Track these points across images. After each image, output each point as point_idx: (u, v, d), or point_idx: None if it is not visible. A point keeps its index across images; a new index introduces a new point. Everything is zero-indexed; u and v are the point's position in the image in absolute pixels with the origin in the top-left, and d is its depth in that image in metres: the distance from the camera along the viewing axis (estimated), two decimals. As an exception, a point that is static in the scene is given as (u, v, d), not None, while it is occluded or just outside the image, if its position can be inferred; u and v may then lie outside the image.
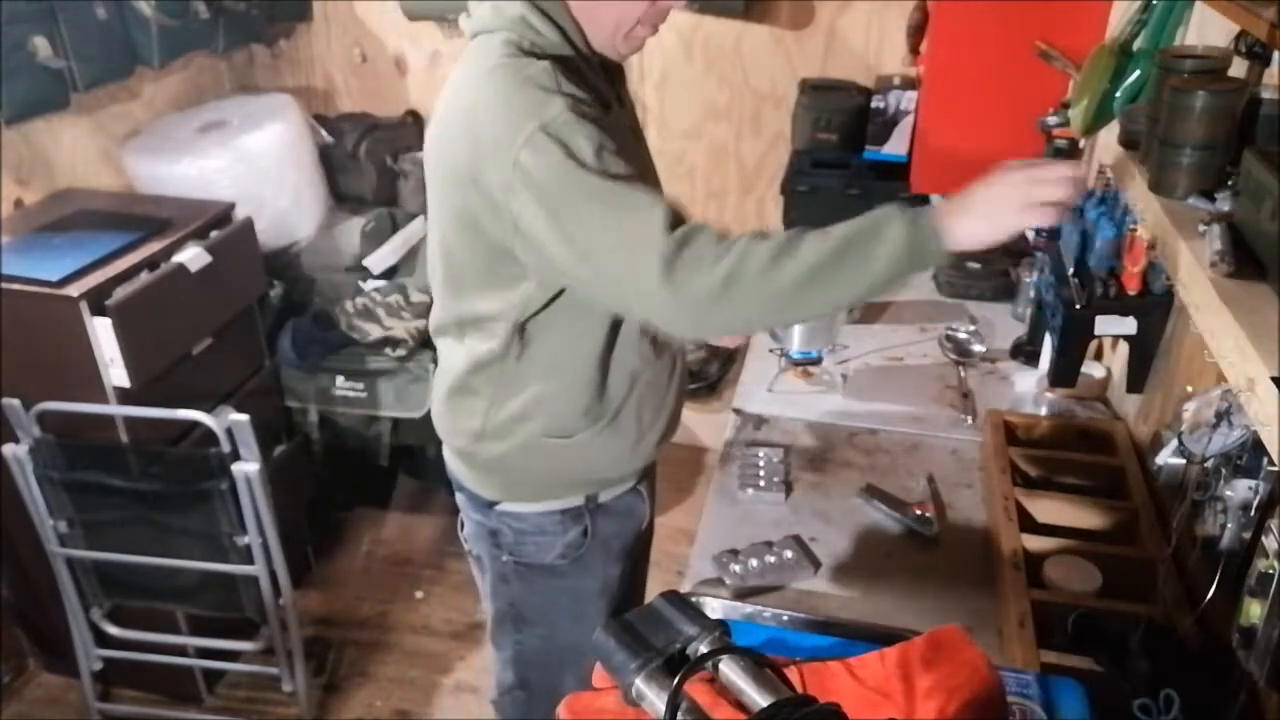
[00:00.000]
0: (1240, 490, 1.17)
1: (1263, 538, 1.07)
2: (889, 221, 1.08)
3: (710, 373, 3.02)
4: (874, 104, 2.46)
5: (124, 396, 2.02)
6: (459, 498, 1.54)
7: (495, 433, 1.40)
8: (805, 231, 1.11)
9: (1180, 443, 1.29)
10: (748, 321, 1.22)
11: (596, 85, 1.28)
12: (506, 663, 1.62)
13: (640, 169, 1.22)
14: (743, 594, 1.44)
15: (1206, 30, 1.46)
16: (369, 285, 2.59)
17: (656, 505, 1.64)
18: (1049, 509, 1.53)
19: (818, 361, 1.93)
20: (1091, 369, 1.83)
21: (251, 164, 2.48)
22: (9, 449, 1.99)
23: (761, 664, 0.77)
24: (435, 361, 1.60)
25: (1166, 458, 1.36)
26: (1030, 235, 2.19)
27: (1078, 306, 1.48)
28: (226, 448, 2.00)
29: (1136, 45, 1.65)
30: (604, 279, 1.16)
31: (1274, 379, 0.83)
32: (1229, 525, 1.19)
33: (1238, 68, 1.24)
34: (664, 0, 1.26)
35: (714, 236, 1.12)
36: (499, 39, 1.23)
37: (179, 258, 2.10)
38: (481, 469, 1.45)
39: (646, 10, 1.25)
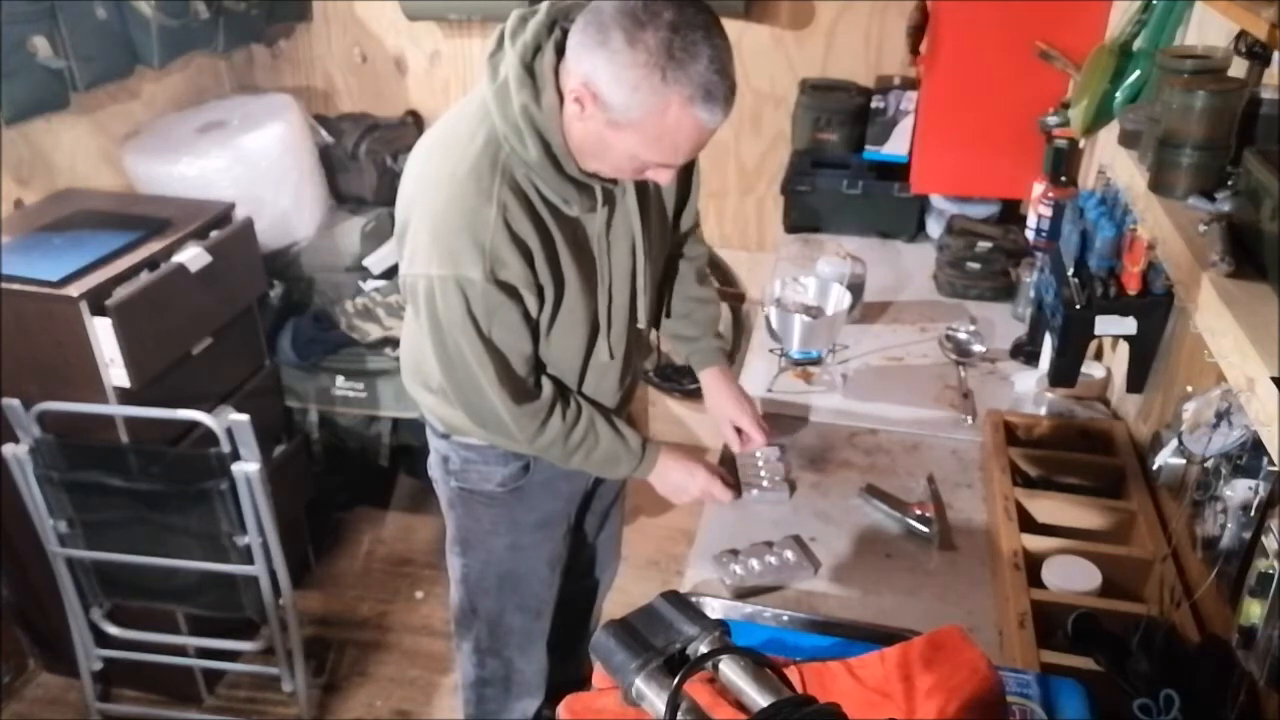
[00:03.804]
0: (1240, 490, 1.17)
1: (1263, 538, 1.07)
2: (624, 467, 1.52)
3: (710, 373, 3.02)
4: (874, 104, 2.46)
5: (124, 396, 2.02)
6: (426, 428, 1.64)
7: (447, 399, 1.49)
8: (587, 441, 1.46)
9: (1180, 443, 1.29)
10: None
11: (566, 194, 1.31)
12: (456, 584, 1.74)
13: (599, 271, 1.41)
14: (743, 594, 1.44)
15: (1206, 30, 1.47)
16: (369, 285, 2.59)
17: (633, 481, 1.73)
18: (1049, 509, 1.53)
19: (818, 361, 1.93)
20: (1091, 369, 1.83)
21: (251, 164, 2.47)
22: (9, 449, 1.99)
23: (761, 664, 0.77)
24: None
25: (1166, 458, 1.36)
26: (1031, 235, 2.20)
27: (1078, 306, 1.48)
28: (226, 448, 2.00)
29: (1136, 45, 1.65)
30: (456, 394, 1.41)
31: (1274, 379, 0.83)
32: (1229, 525, 1.19)
33: (1238, 68, 1.24)
34: (651, 174, 1.30)
35: (535, 431, 1.42)
36: (487, 126, 1.28)
37: (179, 258, 2.10)
38: (436, 410, 1.56)
39: (631, 174, 1.31)
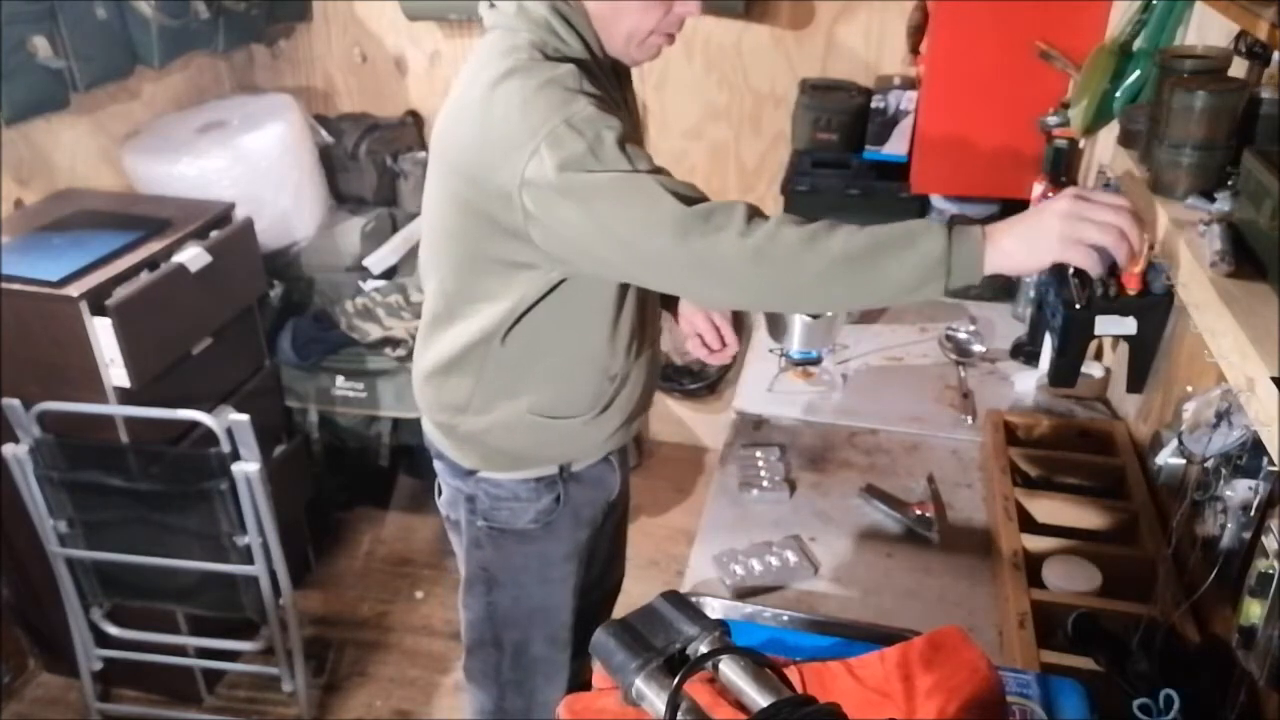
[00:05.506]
0: (1240, 490, 1.17)
1: (1263, 538, 1.07)
2: (928, 233, 1.09)
3: (710, 373, 3.02)
4: (874, 104, 2.46)
5: (124, 396, 2.02)
6: (437, 464, 1.59)
7: (479, 408, 1.45)
8: (839, 224, 1.11)
9: (1180, 443, 1.29)
10: (767, 300, 1.28)
11: (610, 91, 1.31)
12: (476, 622, 1.67)
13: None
14: (743, 594, 1.44)
15: (1206, 30, 1.46)
16: (369, 285, 2.59)
17: (633, 481, 1.72)
18: (1049, 509, 1.53)
19: (818, 361, 1.93)
20: (1091, 369, 1.83)
21: (251, 164, 2.47)
22: (9, 449, 1.99)
23: (761, 664, 0.77)
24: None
25: (1166, 458, 1.36)
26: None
27: (1078, 306, 1.48)
28: (226, 448, 2.00)
29: (1136, 45, 1.65)
30: (634, 258, 1.19)
31: (1274, 379, 0.83)
32: (1229, 525, 1.19)
33: (1238, 68, 1.24)
34: (679, 8, 1.28)
35: (744, 214, 1.13)
36: (522, 40, 1.26)
37: (179, 258, 2.10)
38: (461, 440, 1.50)
39: (660, 19, 1.29)
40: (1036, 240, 1.06)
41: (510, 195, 1.18)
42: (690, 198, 1.15)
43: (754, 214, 1.14)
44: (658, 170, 1.18)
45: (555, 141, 1.15)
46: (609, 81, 1.33)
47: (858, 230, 1.10)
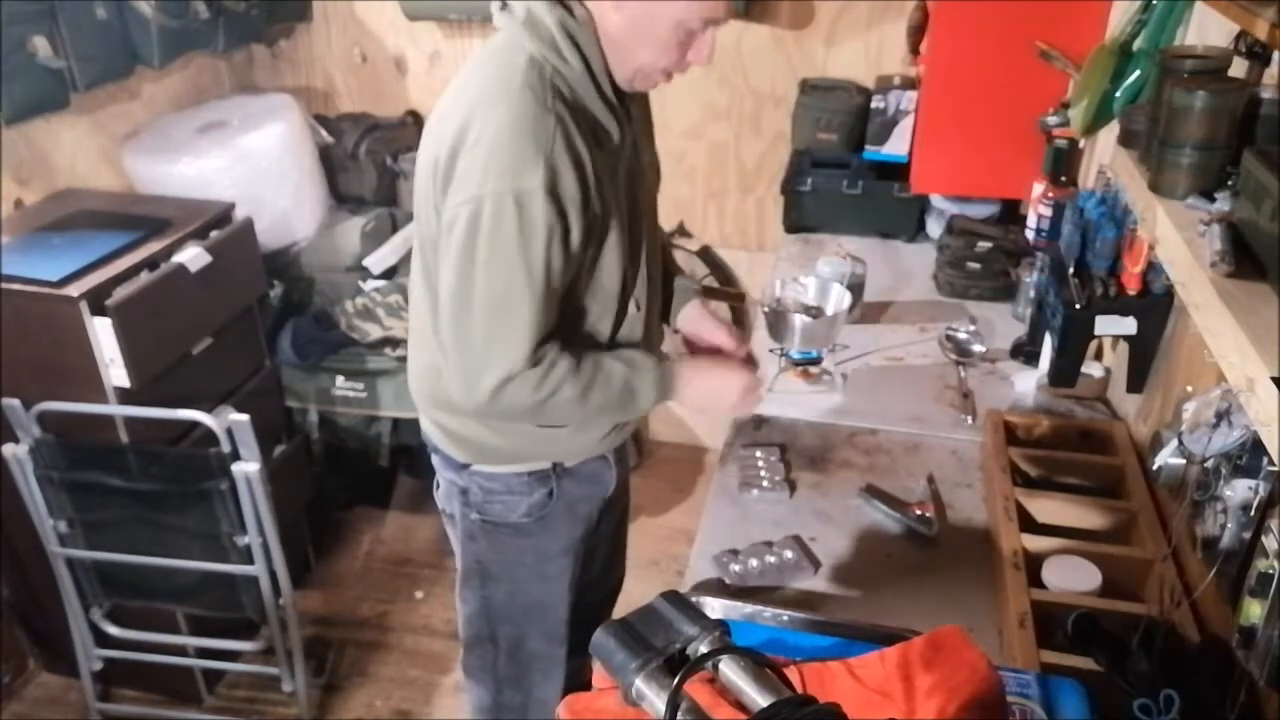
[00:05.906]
0: (1240, 490, 1.17)
1: (1263, 538, 1.07)
2: (645, 391, 1.41)
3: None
4: (874, 104, 2.46)
5: (124, 396, 2.02)
6: (434, 458, 1.61)
7: (473, 417, 1.46)
8: (599, 375, 1.36)
9: (1180, 443, 1.29)
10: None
11: (603, 117, 1.32)
12: (473, 617, 1.68)
13: (624, 210, 1.37)
14: (743, 594, 1.44)
15: (1206, 30, 1.47)
16: (369, 285, 2.59)
17: (633, 481, 1.75)
18: (1049, 509, 1.53)
19: (818, 361, 1.93)
20: (1091, 369, 1.83)
21: (251, 164, 2.47)
22: (9, 449, 1.99)
23: (761, 664, 0.77)
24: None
25: (1166, 458, 1.36)
26: (1031, 235, 2.20)
27: (1078, 306, 1.49)
28: (226, 448, 2.00)
29: (1136, 45, 1.65)
30: (456, 338, 1.32)
31: (1274, 379, 0.83)
32: (1229, 525, 1.19)
33: (1238, 68, 1.24)
34: (692, 55, 1.31)
35: (540, 375, 1.31)
36: (522, 53, 1.28)
37: (179, 258, 2.10)
38: (454, 436, 1.52)
39: (672, 62, 1.31)
40: (713, 403, 1.50)
41: (442, 210, 1.29)
42: (539, 345, 1.29)
43: (547, 376, 1.31)
44: (552, 280, 1.27)
45: (498, 202, 1.23)
46: (607, 104, 1.32)
47: (608, 383, 1.37)
